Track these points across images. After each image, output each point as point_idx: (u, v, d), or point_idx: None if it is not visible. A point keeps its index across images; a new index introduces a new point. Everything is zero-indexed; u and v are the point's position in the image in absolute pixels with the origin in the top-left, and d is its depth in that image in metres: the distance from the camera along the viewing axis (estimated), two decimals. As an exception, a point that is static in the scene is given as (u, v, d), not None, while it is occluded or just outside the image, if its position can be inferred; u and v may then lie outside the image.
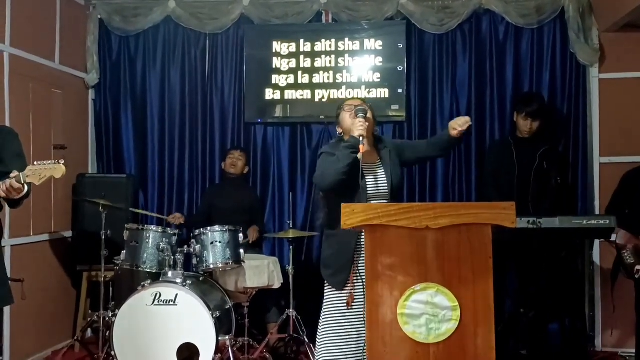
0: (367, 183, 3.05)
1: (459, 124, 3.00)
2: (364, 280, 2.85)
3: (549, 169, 4.46)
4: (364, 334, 2.82)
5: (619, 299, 4.27)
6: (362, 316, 2.88)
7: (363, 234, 2.91)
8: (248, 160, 5.13)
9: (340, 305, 3.02)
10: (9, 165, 2.82)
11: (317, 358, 3.07)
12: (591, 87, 4.93)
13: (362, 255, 2.93)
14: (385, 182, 3.08)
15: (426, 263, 2.47)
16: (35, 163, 2.70)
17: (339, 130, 3.21)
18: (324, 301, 3.11)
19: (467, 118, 3.04)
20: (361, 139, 2.92)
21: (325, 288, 3.11)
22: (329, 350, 3.00)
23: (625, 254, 4.06)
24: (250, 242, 4.76)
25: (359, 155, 2.91)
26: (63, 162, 2.71)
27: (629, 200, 4.21)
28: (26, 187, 2.73)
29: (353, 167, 2.93)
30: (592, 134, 4.92)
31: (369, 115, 3.08)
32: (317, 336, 3.10)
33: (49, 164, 2.70)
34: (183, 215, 5.09)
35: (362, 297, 2.85)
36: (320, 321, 3.10)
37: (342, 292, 3.01)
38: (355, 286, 2.99)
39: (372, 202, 3.02)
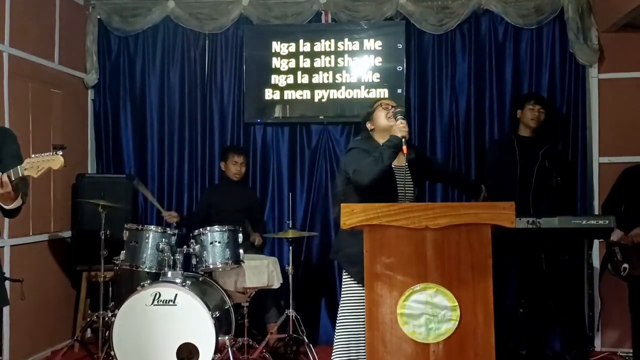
0: (398, 185, 3.13)
1: None
2: None
3: (550, 168, 4.46)
4: None
5: (618, 298, 4.28)
6: None
7: None
8: (247, 162, 5.11)
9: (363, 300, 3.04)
10: (6, 166, 2.80)
11: (334, 350, 3.13)
12: (590, 87, 4.93)
13: None
14: (412, 186, 3.16)
15: (425, 263, 2.48)
16: (33, 155, 2.65)
17: (370, 126, 3.27)
18: (344, 296, 3.16)
19: None
20: (404, 140, 3.00)
21: (346, 283, 3.15)
22: (348, 344, 3.06)
23: (616, 251, 4.07)
24: (256, 244, 4.82)
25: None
26: (61, 153, 2.67)
27: (626, 197, 4.21)
28: (20, 201, 2.69)
29: (390, 168, 3.04)
30: (592, 134, 4.92)
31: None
32: (336, 329, 3.16)
33: (47, 155, 2.65)
34: (179, 215, 5.01)
35: None
36: (339, 315, 3.16)
37: None
38: None
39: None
